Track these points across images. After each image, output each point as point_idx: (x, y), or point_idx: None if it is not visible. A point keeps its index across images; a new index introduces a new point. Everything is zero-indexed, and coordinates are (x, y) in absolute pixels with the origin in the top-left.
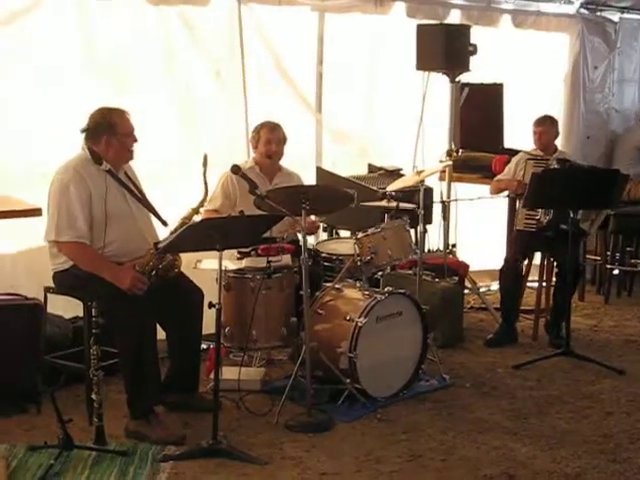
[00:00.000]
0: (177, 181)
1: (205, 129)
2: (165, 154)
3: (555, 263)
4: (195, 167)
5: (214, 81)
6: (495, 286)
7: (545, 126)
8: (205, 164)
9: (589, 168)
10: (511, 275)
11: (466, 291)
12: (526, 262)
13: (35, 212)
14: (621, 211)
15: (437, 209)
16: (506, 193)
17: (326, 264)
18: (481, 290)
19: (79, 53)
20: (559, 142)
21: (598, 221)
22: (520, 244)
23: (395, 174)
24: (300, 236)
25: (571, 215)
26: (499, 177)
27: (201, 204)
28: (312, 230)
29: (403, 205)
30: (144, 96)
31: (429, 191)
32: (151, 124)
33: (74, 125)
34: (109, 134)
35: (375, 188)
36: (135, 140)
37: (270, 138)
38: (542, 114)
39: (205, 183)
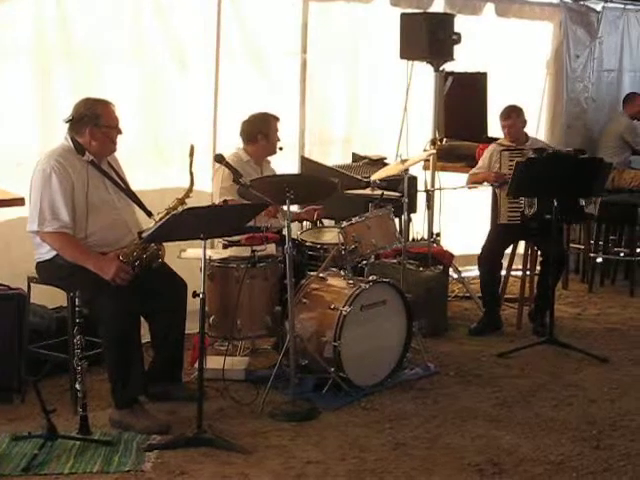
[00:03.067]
0: (143, 167)
1: (170, 117)
2: (130, 141)
3: (539, 252)
4: (159, 154)
5: (181, 69)
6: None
7: (511, 119)
8: (192, 154)
9: (567, 154)
10: (489, 264)
11: (453, 275)
12: (510, 251)
13: (17, 202)
14: (605, 199)
15: (421, 198)
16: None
17: (310, 253)
18: (465, 278)
19: (55, 37)
20: (542, 131)
21: (598, 201)
22: (502, 235)
23: (379, 163)
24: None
25: (555, 204)
26: (475, 170)
27: (187, 194)
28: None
29: (387, 194)
30: (113, 81)
31: (413, 180)
32: (119, 110)
33: (47, 111)
34: (93, 125)
35: (359, 177)
36: (119, 132)
37: (278, 129)
38: (506, 106)
39: (191, 173)
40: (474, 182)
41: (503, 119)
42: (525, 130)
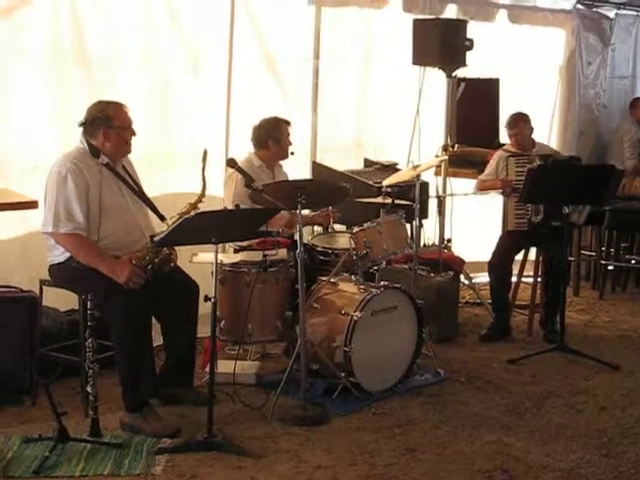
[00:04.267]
0: (155, 171)
1: (183, 122)
2: (143, 145)
3: (541, 258)
4: (171, 159)
5: (194, 74)
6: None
7: (518, 128)
8: (205, 159)
9: (573, 161)
10: (499, 270)
11: (464, 281)
12: (521, 257)
13: (31, 205)
14: (616, 207)
15: (433, 204)
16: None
17: (322, 258)
18: (476, 284)
19: (69, 41)
20: (554, 138)
21: (585, 211)
22: (511, 241)
23: (391, 169)
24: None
25: (566, 211)
26: (482, 177)
27: (199, 199)
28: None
29: (398, 202)
30: (126, 86)
31: (425, 186)
32: (131, 114)
33: (62, 114)
34: (106, 126)
35: (371, 183)
36: (133, 133)
37: (289, 133)
38: (511, 114)
39: (203, 178)
40: (482, 189)
41: (509, 128)
42: (533, 137)
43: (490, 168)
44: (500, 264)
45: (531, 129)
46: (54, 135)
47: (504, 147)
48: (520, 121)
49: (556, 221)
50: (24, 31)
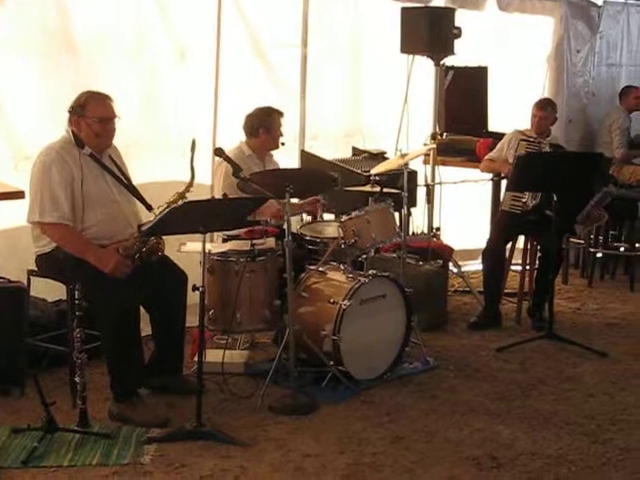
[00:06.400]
0: (143, 160)
1: (171, 110)
2: (131, 134)
3: (538, 247)
4: (159, 147)
5: (182, 62)
6: (478, 265)
7: (546, 112)
8: (193, 149)
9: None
10: (494, 258)
11: (453, 270)
12: (509, 245)
13: (18, 195)
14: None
15: (421, 192)
16: (490, 176)
17: (310, 247)
18: (465, 272)
19: (58, 31)
20: None
21: (591, 227)
22: (504, 226)
23: (379, 157)
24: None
25: (554, 199)
26: (491, 156)
27: (187, 189)
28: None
29: (387, 190)
30: (114, 74)
31: (413, 174)
32: (119, 104)
33: (54, 105)
34: (78, 115)
35: (359, 171)
36: (106, 128)
37: (281, 124)
38: (544, 97)
39: (192, 168)
40: (488, 168)
41: (538, 109)
42: (551, 127)
43: (501, 145)
44: (494, 252)
45: (555, 119)
46: (47, 126)
47: (521, 129)
48: (549, 106)
49: (551, 210)
50: (14, 19)
